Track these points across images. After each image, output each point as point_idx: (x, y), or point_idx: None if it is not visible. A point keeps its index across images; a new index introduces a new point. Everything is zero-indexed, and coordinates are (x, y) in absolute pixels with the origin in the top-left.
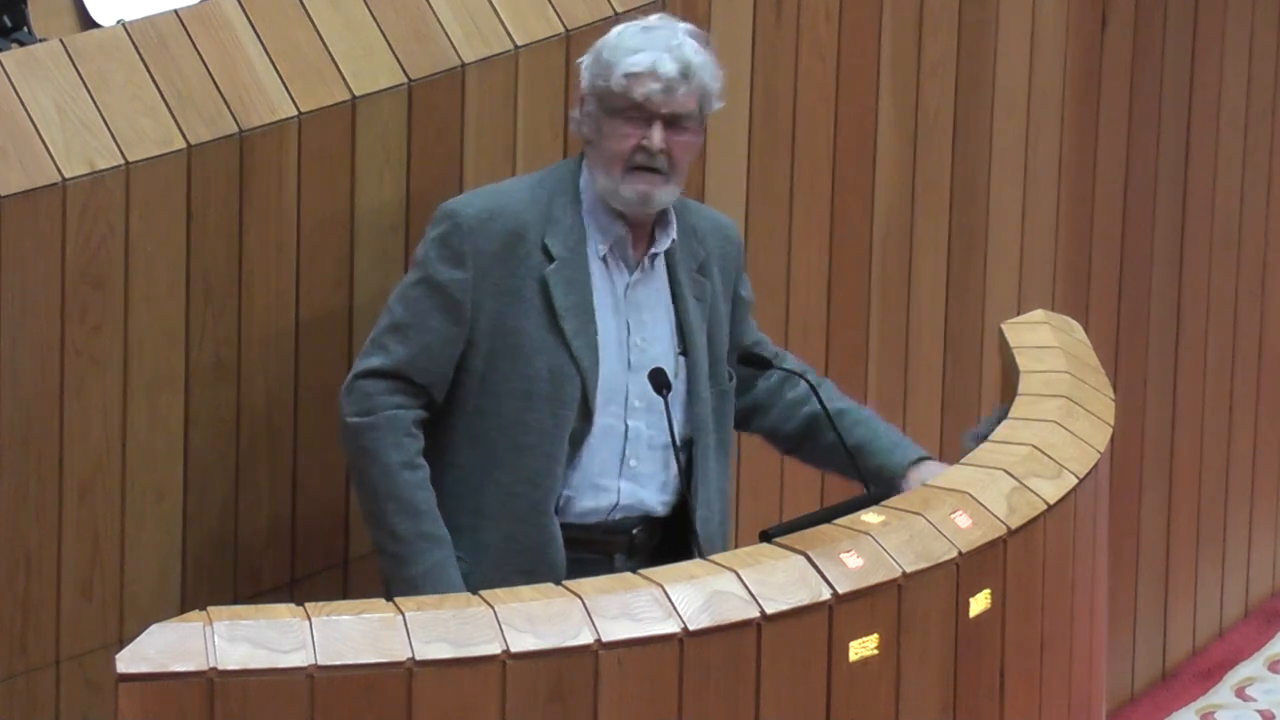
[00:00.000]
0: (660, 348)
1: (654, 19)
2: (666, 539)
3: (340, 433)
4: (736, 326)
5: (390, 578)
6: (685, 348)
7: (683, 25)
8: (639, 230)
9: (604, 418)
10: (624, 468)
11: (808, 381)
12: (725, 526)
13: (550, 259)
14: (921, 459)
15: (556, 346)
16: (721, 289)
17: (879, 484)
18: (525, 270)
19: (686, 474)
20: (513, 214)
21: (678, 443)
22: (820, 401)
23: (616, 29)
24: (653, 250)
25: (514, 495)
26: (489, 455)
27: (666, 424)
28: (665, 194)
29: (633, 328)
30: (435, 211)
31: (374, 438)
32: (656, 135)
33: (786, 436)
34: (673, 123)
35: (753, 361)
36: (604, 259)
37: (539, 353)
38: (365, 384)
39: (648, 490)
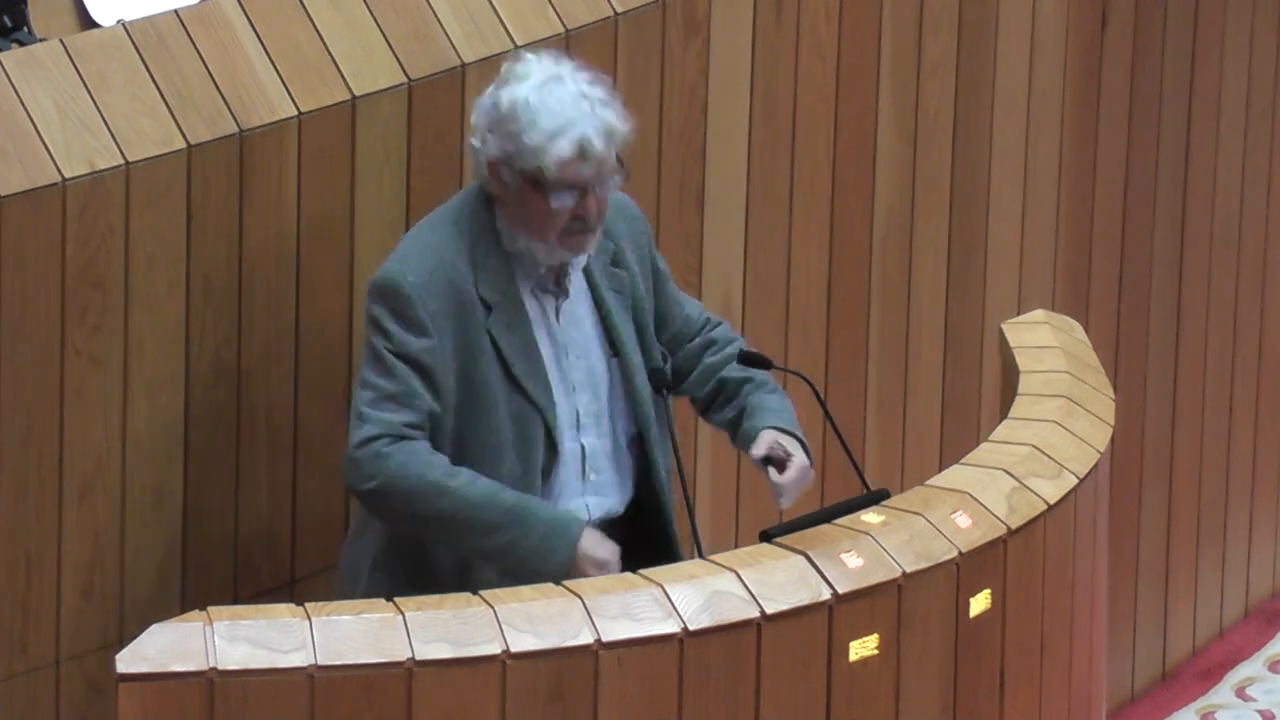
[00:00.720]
0: (593, 356)
1: (547, 65)
2: (631, 535)
3: (366, 504)
4: (660, 300)
5: (517, 573)
6: (615, 348)
7: (580, 72)
8: None
9: (564, 443)
10: (586, 483)
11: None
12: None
13: (488, 307)
14: (783, 430)
15: (513, 392)
16: (639, 270)
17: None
18: (473, 323)
19: (644, 469)
20: (448, 268)
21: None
22: (821, 401)
23: (512, 91)
24: (569, 275)
25: None
26: None
27: (630, 423)
28: (594, 241)
29: (568, 348)
30: (371, 285)
31: (404, 479)
32: (592, 205)
33: (699, 400)
34: (598, 183)
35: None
36: (533, 292)
37: (500, 403)
38: (363, 451)
39: (610, 497)
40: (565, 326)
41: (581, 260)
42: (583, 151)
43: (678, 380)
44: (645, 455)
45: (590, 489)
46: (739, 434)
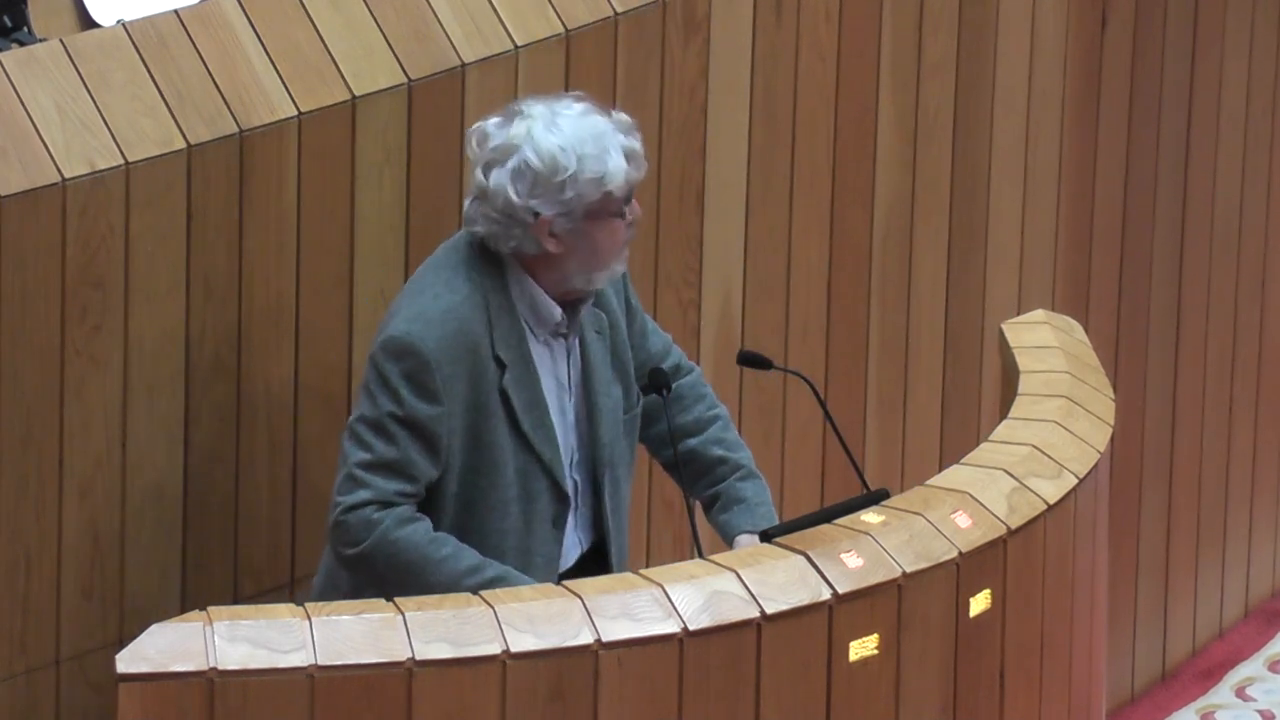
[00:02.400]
0: (579, 395)
1: (535, 109)
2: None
3: (347, 566)
4: (636, 337)
5: None
6: (588, 390)
7: (564, 99)
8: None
9: (567, 487)
10: (577, 517)
11: (805, 378)
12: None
13: (502, 366)
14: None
15: (520, 449)
16: (618, 306)
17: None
18: (487, 384)
19: (597, 508)
20: (467, 332)
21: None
22: (821, 401)
23: (532, 147)
24: (581, 312)
25: None
26: None
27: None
28: None
29: (570, 386)
30: (387, 342)
31: (386, 547)
32: (638, 207)
33: (658, 457)
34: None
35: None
36: (544, 341)
37: (508, 461)
38: (353, 516)
39: (589, 532)
40: (570, 365)
41: (590, 300)
42: (629, 156)
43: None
44: (600, 494)
45: (580, 522)
46: (716, 521)
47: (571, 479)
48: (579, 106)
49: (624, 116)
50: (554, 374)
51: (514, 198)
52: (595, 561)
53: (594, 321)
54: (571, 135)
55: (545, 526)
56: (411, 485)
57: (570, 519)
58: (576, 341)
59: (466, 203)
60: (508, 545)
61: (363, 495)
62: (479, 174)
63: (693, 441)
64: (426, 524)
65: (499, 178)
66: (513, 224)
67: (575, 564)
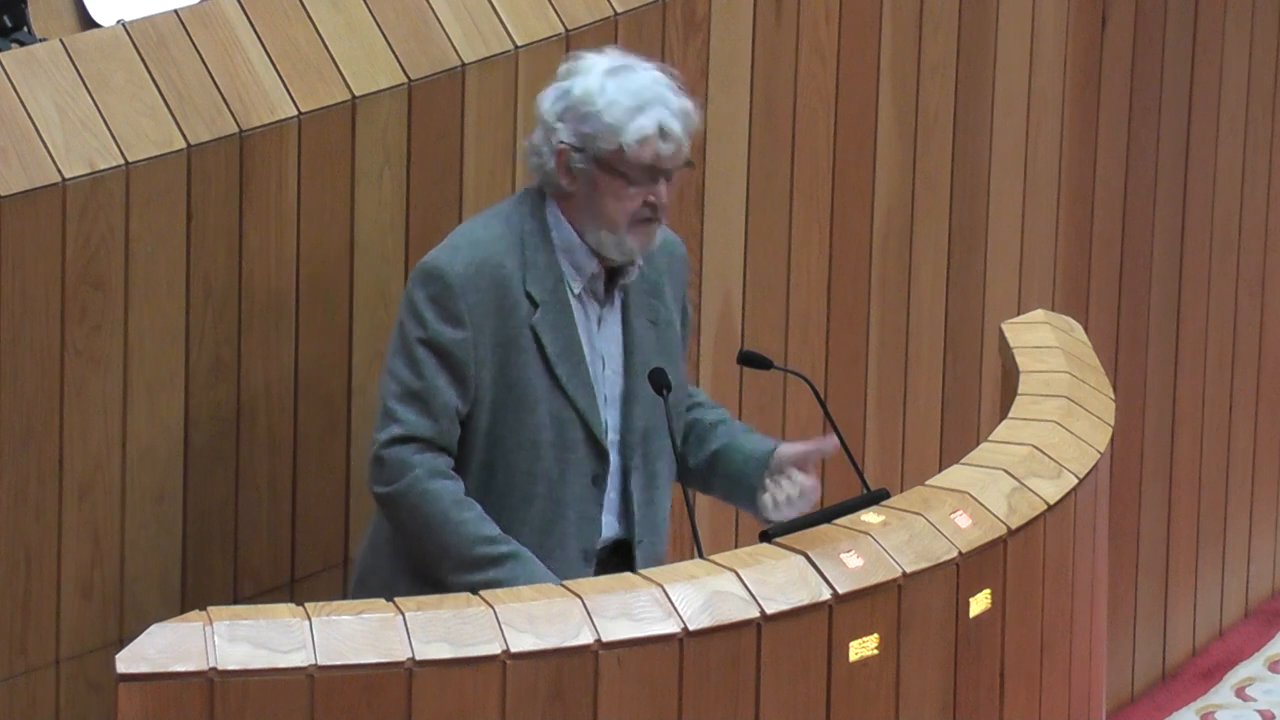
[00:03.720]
0: (620, 374)
1: (615, 58)
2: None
3: (378, 502)
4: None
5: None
6: (629, 371)
7: (646, 61)
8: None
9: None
10: (606, 500)
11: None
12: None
13: (534, 304)
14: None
15: (554, 392)
16: (674, 308)
17: (748, 476)
18: (517, 319)
19: (627, 497)
20: (496, 263)
21: (676, 447)
22: (821, 401)
23: (584, 78)
24: (623, 281)
25: (526, 545)
26: (499, 507)
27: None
28: (658, 235)
29: (605, 360)
30: (416, 270)
31: (413, 496)
32: (664, 191)
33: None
34: (672, 167)
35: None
36: (579, 296)
37: (540, 401)
38: (390, 452)
39: (615, 518)
40: (605, 338)
41: (634, 272)
42: (662, 130)
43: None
44: (628, 489)
45: (609, 506)
46: (738, 459)
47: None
48: (655, 73)
49: (688, 103)
50: (588, 335)
51: (547, 114)
52: (621, 558)
53: (648, 309)
54: (620, 83)
55: (583, 480)
56: (442, 422)
57: (600, 499)
58: (617, 316)
59: None
60: (537, 491)
61: (395, 431)
62: (541, 93)
63: (694, 414)
64: (459, 485)
65: (547, 94)
66: (542, 146)
67: (609, 553)
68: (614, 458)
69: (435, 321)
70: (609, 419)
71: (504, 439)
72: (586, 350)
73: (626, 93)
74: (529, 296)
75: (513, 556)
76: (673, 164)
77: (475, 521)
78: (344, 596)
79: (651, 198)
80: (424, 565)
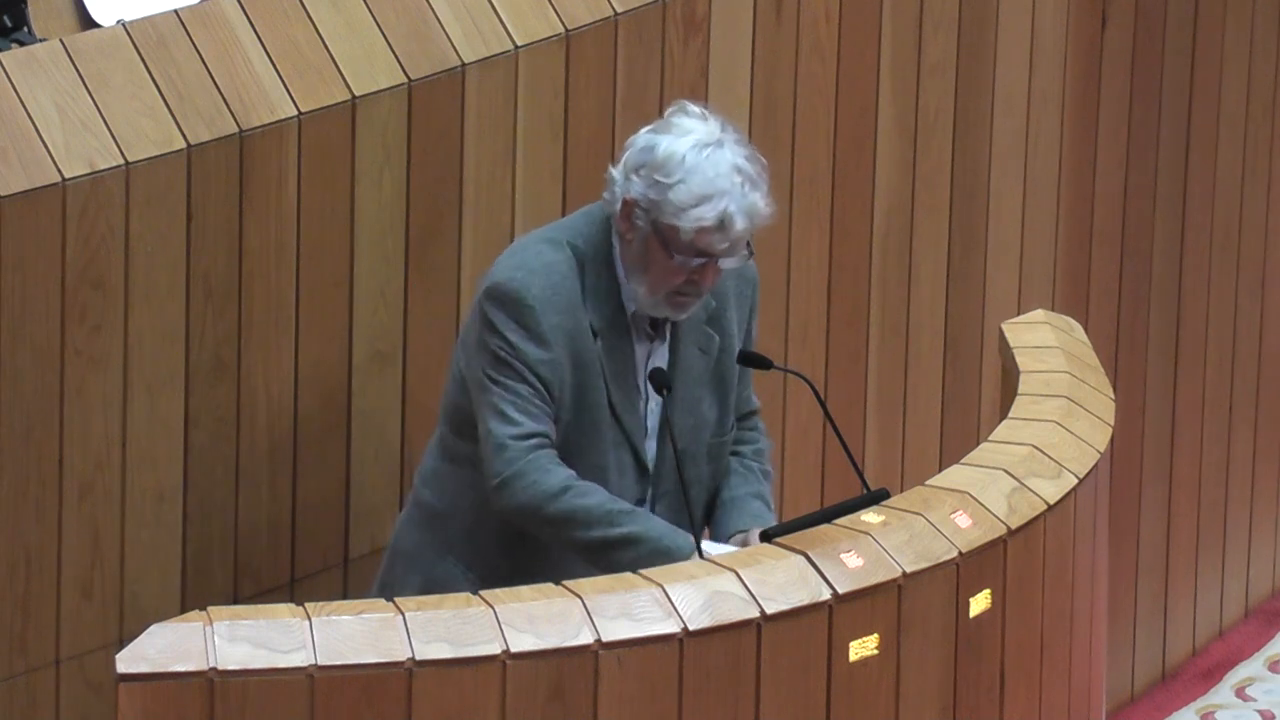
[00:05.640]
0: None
1: (713, 128)
2: None
3: (501, 497)
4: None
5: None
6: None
7: (740, 144)
8: None
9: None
10: None
11: (805, 378)
12: None
13: (594, 332)
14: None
15: (611, 418)
16: (736, 332)
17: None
18: (587, 345)
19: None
20: (568, 287)
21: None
22: (821, 401)
23: (673, 142)
24: (666, 325)
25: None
26: None
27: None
28: (696, 307)
29: (648, 395)
30: (491, 290)
31: (537, 471)
32: (710, 275)
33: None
34: (725, 257)
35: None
36: (633, 323)
37: (604, 425)
38: (513, 444)
39: None
40: (646, 368)
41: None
42: (722, 224)
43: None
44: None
45: None
46: (712, 524)
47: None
48: (741, 160)
49: (760, 200)
50: (636, 363)
51: (630, 159)
52: None
53: (699, 338)
54: (698, 164)
55: (631, 502)
56: (548, 425)
57: None
58: (666, 346)
59: None
60: None
61: (512, 430)
62: (647, 128)
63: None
64: (567, 470)
65: (641, 138)
66: (618, 182)
67: None
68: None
69: (522, 343)
70: (649, 448)
71: (575, 459)
72: (635, 378)
73: (702, 177)
74: (590, 325)
75: (634, 513)
76: (725, 254)
77: (596, 490)
78: (344, 596)
79: (697, 278)
80: (542, 534)
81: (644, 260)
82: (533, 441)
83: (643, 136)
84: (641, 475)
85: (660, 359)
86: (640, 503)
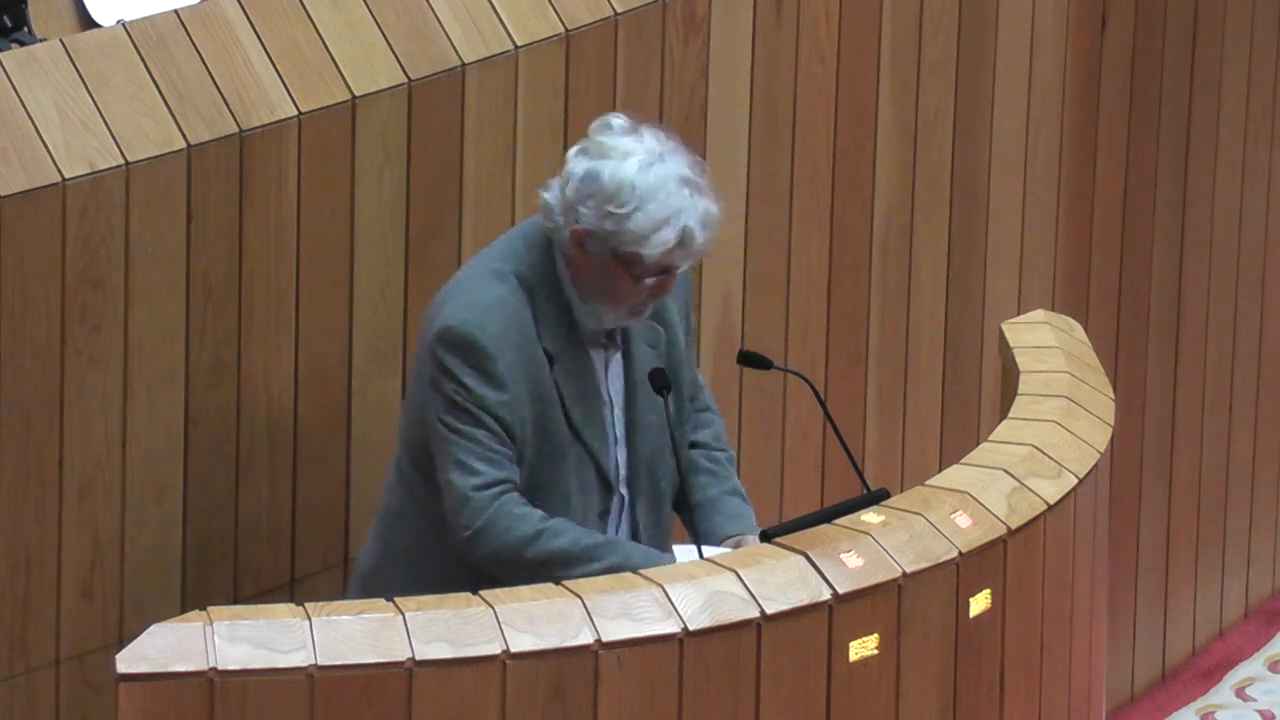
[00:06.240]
0: (622, 409)
1: (649, 142)
2: None
3: (470, 545)
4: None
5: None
6: (630, 404)
7: (676, 152)
8: None
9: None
10: (610, 532)
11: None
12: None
13: (551, 357)
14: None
15: (574, 440)
16: (679, 322)
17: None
18: (542, 375)
19: (633, 524)
20: (520, 320)
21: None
22: (821, 401)
23: (617, 168)
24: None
25: None
26: None
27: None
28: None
29: (614, 400)
30: (443, 334)
31: (506, 518)
32: (671, 283)
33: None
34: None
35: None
36: (587, 341)
37: (567, 450)
38: (477, 495)
39: None
40: (611, 379)
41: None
42: (684, 241)
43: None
44: (634, 511)
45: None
46: (695, 527)
47: (620, 493)
48: (685, 170)
49: (713, 207)
50: (596, 377)
51: (571, 190)
52: None
53: (647, 335)
54: (650, 188)
55: (594, 519)
56: (511, 470)
57: (614, 532)
58: (619, 355)
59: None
60: None
61: (476, 480)
62: (575, 150)
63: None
64: (535, 512)
65: (578, 165)
66: (560, 212)
67: None
68: (623, 491)
69: (479, 387)
70: (618, 456)
71: (540, 490)
72: (600, 395)
73: (656, 202)
74: (545, 351)
75: (610, 543)
76: (686, 264)
77: (568, 528)
78: (344, 596)
79: (660, 290)
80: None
81: (605, 284)
82: (496, 489)
83: (579, 164)
84: (605, 490)
85: (618, 365)
86: (605, 514)
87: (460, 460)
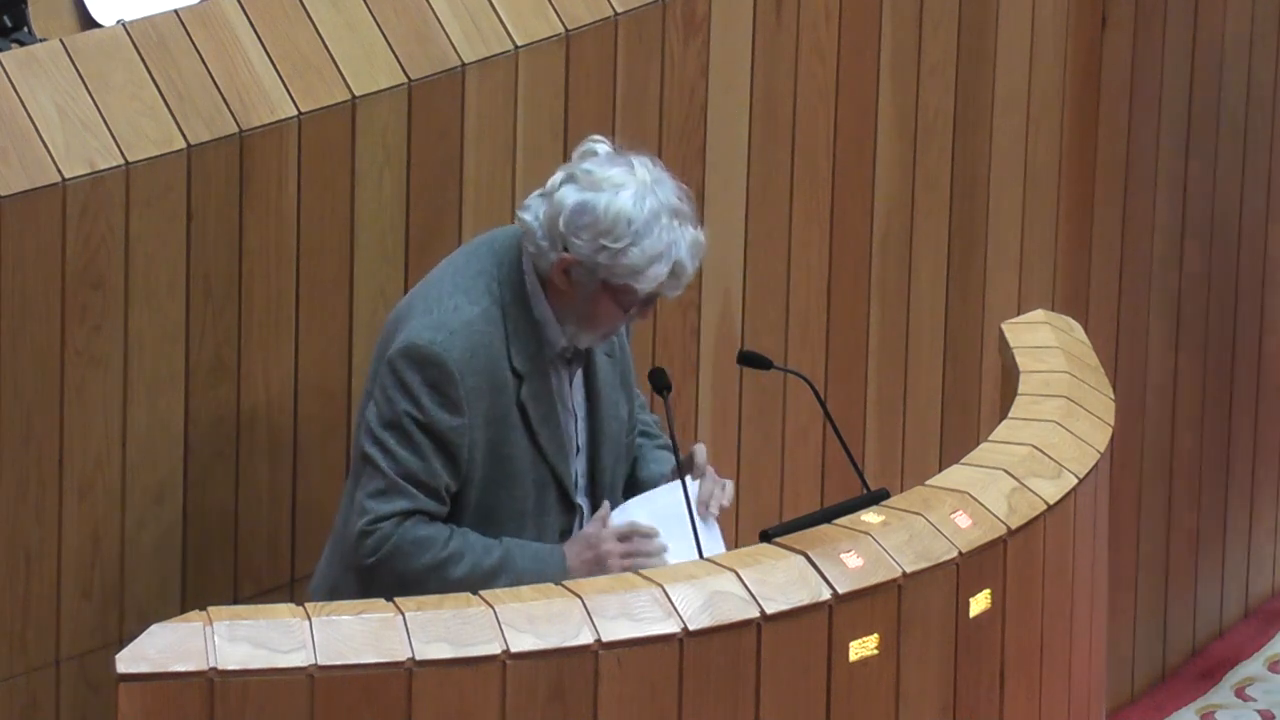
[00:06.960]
0: (586, 420)
1: (640, 173)
2: None
3: (370, 573)
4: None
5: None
6: (594, 414)
7: (663, 179)
8: None
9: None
10: None
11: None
12: None
13: (519, 377)
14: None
15: (537, 461)
16: (624, 328)
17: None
18: (506, 397)
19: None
20: (487, 344)
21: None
22: (821, 401)
23: (611, 201)
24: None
25: None
26: None
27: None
28: None
29: (575, 412)
30: (409, 350)
31: (403, 559)
32: (649, 313)
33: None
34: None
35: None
36: (554, 359)
37: (526, 472)
38: (383, 526)
39: None
40: (575, 389)
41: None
42: (675, 272)
43: None
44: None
45: None
46: (643, 472)
47: (579, 503)
48: (670, 202)
49: (700, 234)
50: (561, 395)
51: (562, 220)
52: None
53: (605, 344)
54: (648, 221)
55: (553, 539)
56: (434, 498)
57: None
58: (580, 369)
59: (534, 194)
60: None
61: (400, 506)
62: (560, 176)
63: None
64: (437, 528)
65: (568, 194)
66: (546, 237)
67: None
68: (582, 502)
69: (434, 408)
70: (578, 468)
71: (493, 511)
72: (561, 411)
73: (652, 237)
74: (514, 371)
75: (505, 550)
76: (675, 294)
77: (466, 548)
78: None
79: (643, 315)
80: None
81: (588, 311)
82: (397, 520)
83: (570, 194)
84: (566, 509)
85: (579, 376)
86: (566, 534)
87: (379, 489)
